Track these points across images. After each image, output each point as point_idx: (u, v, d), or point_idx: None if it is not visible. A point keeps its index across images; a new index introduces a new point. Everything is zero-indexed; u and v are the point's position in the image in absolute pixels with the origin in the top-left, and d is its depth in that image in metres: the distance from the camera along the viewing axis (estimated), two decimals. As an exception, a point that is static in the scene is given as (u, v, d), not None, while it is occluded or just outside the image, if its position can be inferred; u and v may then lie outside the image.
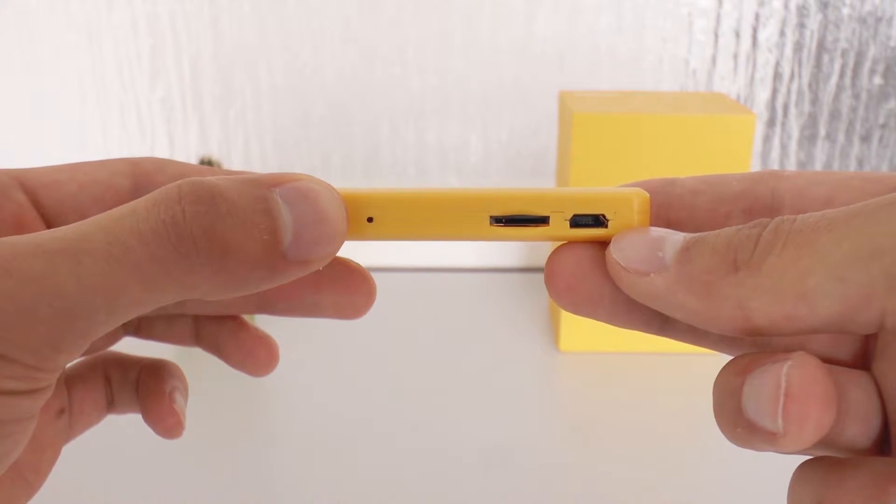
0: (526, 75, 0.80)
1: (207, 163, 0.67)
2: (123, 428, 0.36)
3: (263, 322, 0.38)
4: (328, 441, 0.54)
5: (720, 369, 0.22)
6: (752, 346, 0.24)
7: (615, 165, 0.58)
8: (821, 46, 0.79)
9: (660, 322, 0.24)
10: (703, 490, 0.49)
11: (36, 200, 0.29)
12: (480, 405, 0.58)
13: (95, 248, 0.21)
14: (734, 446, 0.21)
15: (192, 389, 0.33)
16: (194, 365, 0.37)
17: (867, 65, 0.79)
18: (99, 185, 0.29)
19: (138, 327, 0.32)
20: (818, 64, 0.79)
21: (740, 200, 0.25)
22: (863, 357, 0.23)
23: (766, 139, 0.82)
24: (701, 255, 0.21)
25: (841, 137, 0.81)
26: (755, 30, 0.78)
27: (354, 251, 0.25)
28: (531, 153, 0.82)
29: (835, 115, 0.81)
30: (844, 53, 0.79)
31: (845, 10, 0.77)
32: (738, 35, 0.79)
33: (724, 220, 0.25)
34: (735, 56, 0.79)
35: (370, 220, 0.24)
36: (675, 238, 0.22)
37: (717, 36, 0.79)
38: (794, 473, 0.22)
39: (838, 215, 0.20)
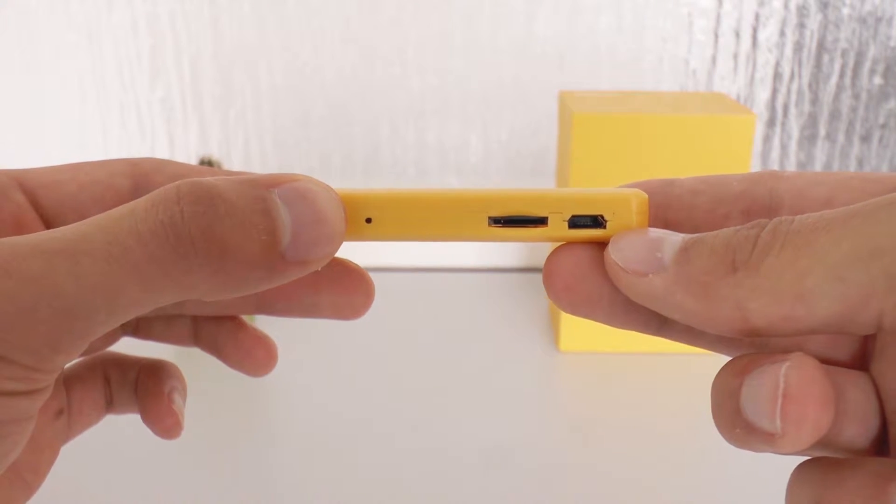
0: (526, 75, 0.80)
1: (207, 163, 0.67)
2: (122, 428, 0.36)
3: (263, 322, 0.38)
4: (328, 441, 0.54)
5: (718, 370, 0.22)
6: (750, 347, 0.24)
7: (615, 165, 0.58)
8: (821, 46, 0.79)
9: (658, 323, 0.24)
10: (703, 490, 0.49)
11: (35, 201, 0.29)
12: (480, 405, 0.58)
13: (94, 248, 0.21)
14: (734, 446, 0.21)
15: (190, 390, 0.33)
16: (193, 365, 0.37)
17: (867, 65, 0.79)
18: (98, 185, 0.29)
19: (137, 327, 0.32)
20: (818, 64, 0.79)
21: (739, 201, 0.25)
22: (861, 358, 0.23)
23: (766, 139, 0.82)
24: (699, 256, 0.21)
25: (841, 137, 0.81)
26: (755, 30, 0.78)
27: (354, 251, 0.25)
28: (531, 153, 0.82)
29: (835, 115, 0.81)
30: (844, 53, 0.79)
31: (845, 10, 0.77)
32: (738, 35, 0.78)
33: (723, 221, 0.25)
34: (735, 56, 0.79)
35: (369, 220, 0.24)
36: (674, 239, 0.22)
37: (717, 36, 0.79)
38: (792, 474, 0.22)
39: (837, 216, 0.20)
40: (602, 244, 0.23)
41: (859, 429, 0.22)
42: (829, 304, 0.19)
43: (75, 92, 0.82)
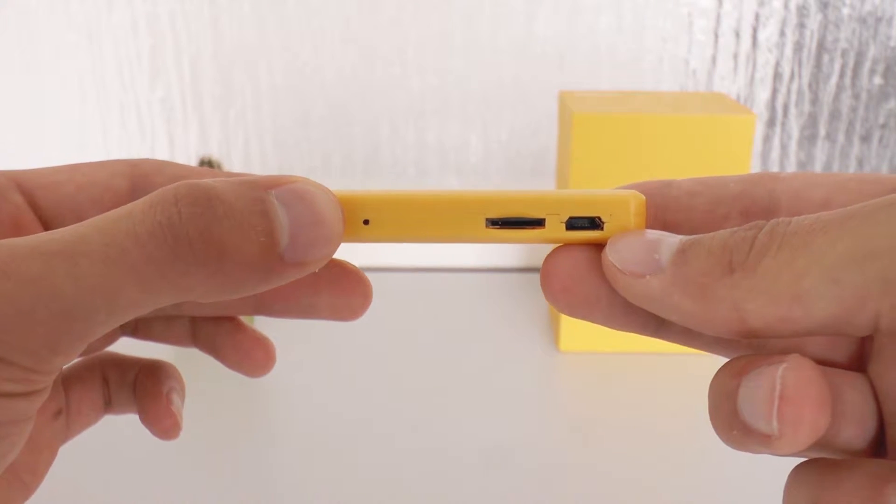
0: (526, 75, 0.80)
1: (207, 163, 0.67)
2: (121, 428, 0.36)
3: (262, 323, 0.38)
4: (328, 441, 0.54)
5: (716, 372, 0.22)
6: (748, 349, 0.24)
7: (615, 165, 0.58)
8: (821, 46, 0.78)
9: (656, 324, 0.24)
10: (703, 490, 0.49)
11: (33, 202, 0.29)
12: (480, 405, 0.58)
13: (92, 249, 0.21)
14: (731, 448, 0.21)
15: (189, 390, 0.33)
16: (192, 366, 0.37)
17: (867, 65, 0.79)
18: (97, 186, 0.29)
19: (135, 328, 0.32)
20: (818, 64, 0.79)
21: (737, 202, 0.25)
22: (859, 359, 0.23)
23: (766, 139, 0.82)
24: (696, 258, 0.21)
25: (841, 137, 0.81)
26: (755, 30, 0.78)
27: (354, 251, 0.25)
28: (531, 153, 0.82)
29: (835, 115, 0.81)
30: (844, 53, 0.79)
31: (845, 10, 0.77)
32: (738, 35, 0.78)
33: (721, 222, 0.25)
34: (735, 56, 0.79)
35: (366, 222, 0.24)
36: (671, 240, 0.22)
37: (717, 36, 0.79)
38: (789, 475, 0.22)
39: (833, 217, 0.20)
40: (600, 246, 0.23)
41: (857, 430, 0.22)
42: (825, 305, 0.19)
43: (75, 92, 0.82)
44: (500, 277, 0.78)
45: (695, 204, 0.25)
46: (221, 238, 0.21)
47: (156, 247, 0.21)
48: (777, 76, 0.80)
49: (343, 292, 0.29)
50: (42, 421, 0.29)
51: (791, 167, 0.83)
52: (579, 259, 0.23)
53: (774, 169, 0.84)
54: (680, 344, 0.25)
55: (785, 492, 0.22)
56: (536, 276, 0.81)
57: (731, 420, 0.20)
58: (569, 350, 0.64)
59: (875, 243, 0.19)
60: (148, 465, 0.51)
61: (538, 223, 0.23)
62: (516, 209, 0.23)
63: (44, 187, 0.29)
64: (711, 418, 0.22)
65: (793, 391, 0.19)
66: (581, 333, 0.64)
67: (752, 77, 0.80)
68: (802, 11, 0.77)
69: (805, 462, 0.21)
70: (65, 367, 0.29)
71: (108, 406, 0.32)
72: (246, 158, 0.84)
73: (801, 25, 0.78)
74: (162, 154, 0.84)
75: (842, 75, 0.79)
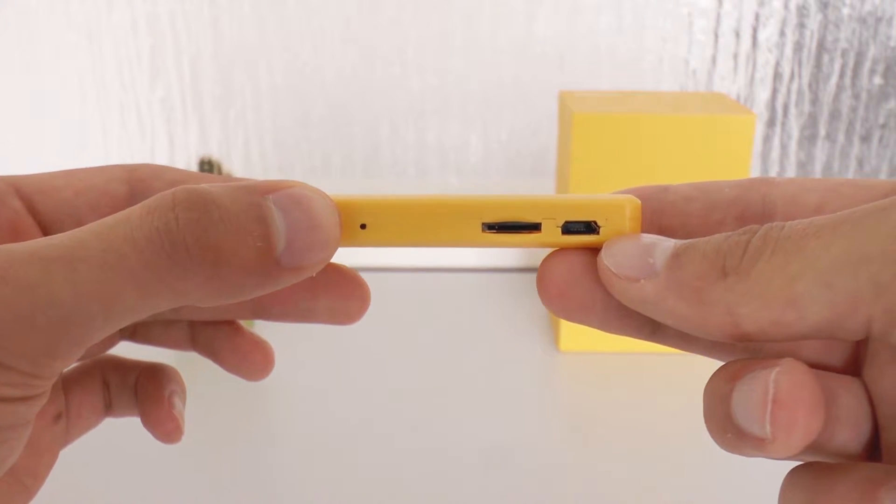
0: (526, 75, 0.80)
1: (207, 163, 0.67)
2: (121, 431, 0.36)
3: (262, 324, 0.38)
4: (328, 442, 0.54)
5: (710, 375, 0.22)
6: (743, 353, 0.24)
7: (615, 165, 0.58)
8: (821, 46, 0.79)
9: (651, 328, 0.24)
10: (703, 490, 0.49)
11: (32, 207, 0.29)
12: (480, 405, 0.58)
13: (90, 255, 0.21)
14: (726, 451, 0.21)
15: (190, 393, 0.33)
16: (192, 368, 0.37)
17: (867, 65, 0.79)
18: (95, 191, 0.29)
19: (134, 332, 0.33)
20: (818, 64, 0.79)
21: (732, 207, 0.25)
22: (854, 363, 0.23)
23: (766, 139, 0.82)
24: (691, 262, 0.21)
25: (841, 137, 0.81)
26: (755, 30, 0.78)
27: (353, 251, 0.25)
28: (531, 153, 0.82)
29: (835, 115, 0.81)
30: (844, 53, 0.79)
31: (845, 10, 0.77)
32: (738, 35, 0.79)
33: (717, 227, 0.25)
34: (735, 56, 0.79)
35: (363, 226, 0.24)
36: (666, 244, 0.22)
37: (717, 36, 0.79)
38: (785, 478, 0.22)
39: (826, 222, 0.20)
40: (595, 250, 0.23)
41: (851, 434, 0.22)
42: (818, 309, 0.19)
43: (75, 92, 0.83)
44: (500, 277, 0.78)
45: (690, 209, 0.25)
46: (218, 243, 0.21)
47: (153, 252, 0.21)
48: (777, 76, 0.80)
49: (341, 296, 0.29)
50: (42, 425, 0.29)
51: (791, 167, 0.83)
52: (575, 263, 0.23)
53: (774, 169, 0.84)
54: (675, 348, 0.25)
55: (780, 495, 0.22)
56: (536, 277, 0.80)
57: (725, 423, 0.21)
58: (569, 350, 0.64)
59: (868, 248, 0.19)
60: (149, 467, 0.51)
61: (534, 227, 0.24)
62: (512, 213, 0.23)
63: (42, 192, 0.29)
64: (706, 421, 0.22)
65: (786, 395, 0.19)
66: (581, 333, 0.64)
67: (752, 77, 0.80)
68: (802, 11, 0.77)
69: (800, 465, 0.22)
70: (65, 370, 0.30)
71: (109, 409, 0.32)
72: (246, 158, 0.84)
73: (801, 25, 0.78)
74: (162, 154, 0.84)
75: (842, 75, 0.79)
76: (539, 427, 0.56)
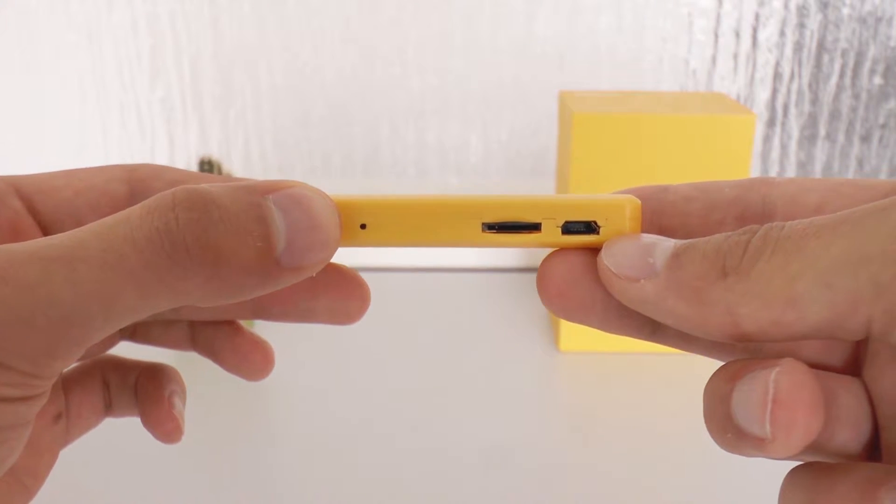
0: (526, 75, 0.80)
1: (207, 162, 0.67)
2: (122, 431, 0.36)
3: (262, 324, 0.38)
4: (328, 442, 0.54)
5: (710, 375, 0.22)
6: (743, 353, 0.24)
7: (615, 165, 0.58)
8: (821, 46, 0.79)
9: (651, 328, 0.24)
10: (703, 490, 0.49)
11: (32, 207, 0.29)
12: (480, 405, 0.58)
13: (90, 255, 0.21)
14: (725, 451, 0.21)
15: (190, 393, 0.33)
16: (192, 368, 0.37)
17: (867, 65, 0.79)
18: (95, 191, 0.29)
19: (134, 332, 0.33)
20: (818, 64, 0.79)
21: (732, 207, 0.25)
22: (854, 363, 0.23)
23: (766, 139, 0.82)
24: (691, 262, 0.21)
25: (841, 137, 0.81)
26: (755, 30, 0.78)
27: (353, 251, 0.25)
28: (531, 153, 0.82)
29: (835, 115, 0.81)
30: (844, 53, 0.79)
31: (845, 10, 0.77)
32: (738, 35, 0.79)
33: (717, 227, 0.25)
34: (735, 56, 0.79)
35: (363, 226, 0.24)
36: (666, 244, 0.22)
37: (717, 36, 0.79)
38: (785, 478, 0.22)
39: (826, 222, 0.20)
40: (595, 250, 0.23)
41: (851, 434, 0.22)
42: (818, 309, 0.19)
43: (75, 92, 0.83)
44: (500, 277, 0.78)
45: (690, 209, 0.25)
46: (218, 243, 0.21)
47: (153, 252, 0.21)
48: (777, 76, 0.80)
49: (341, 296, 0.29)
50: (42, 425, 0.29)
51: (791, 167, 0.83)
52: (575, 263, 0.23)
53: (774, 169, 0.84)
54: (675, 348, 0.25)
55: (780, 495, 0.22)
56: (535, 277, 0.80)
57: (725, 423, 0.21)
58: (569, 350, 0.64)
59: (868, 248, 0.19)
60: (149, 468, 0.51)
61: (534, 227, 0.24)
62: (512, 214, 0.23)
63: (42, 192, 0.29)
64: (706, 421, 0.22)
65: (785, 395, 0.19)
66: (581, 333, 0.64)
67: (752, 77, 0.80)
68: (802, 11, 0.77)
69: (800, 465, 0.22)
70: (65, 370, 0.30)
71: (109, 409, 0.32)
72: (246, 158, 0.84)
73: (801, 25, 0.78)
74: (162, 154, 0.84)
75: (842, 75, 0.79)
76: (539, 427, 0.56)
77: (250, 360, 0.32)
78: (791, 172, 0.83)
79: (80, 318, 0.21)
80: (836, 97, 0.80)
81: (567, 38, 0.78)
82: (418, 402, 0.58)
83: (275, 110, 0.82)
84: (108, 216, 0.22)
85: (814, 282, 0.19)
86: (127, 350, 0.33)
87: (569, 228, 0.23)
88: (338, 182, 0.84)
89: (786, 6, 0.77)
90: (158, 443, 0.31)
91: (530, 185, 0.84)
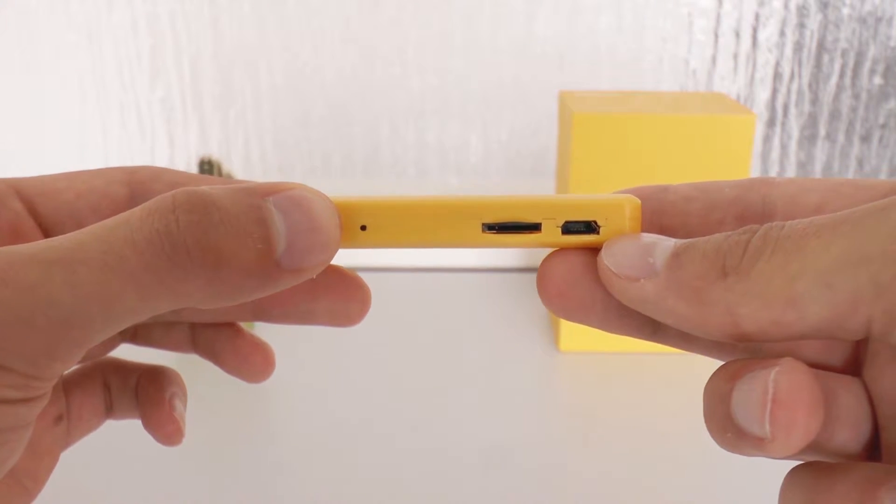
0: (526, 75, 0.80)
1: (207, 162, 0.67)
2: (122, 433, 0.36)
3: (263, 326, 0.38)
4: (328, 442, 0.54)
5: (710, 375, 0.22)
6: (744, 353, 0.24)
7: (615, 165, 0.58)
8: (821, 46, 0.79)
9: (651, 328, 0.24)
10: (703, 490, 0.49)
11: (33, 209, 0.29)
12: (480, 405, 0.58)
13: (90, 257, 0.21)
14: (725, 451, 0.21)
15: (190, 395, 0.33)
16: (193, 370, 0.37)
17: (867, 65, 0.79)
18: (95, 193, 0.29)
19: (135, 334, 0.33)
20: (818, 64, 0.79)
21: (732, 207, 0.25)
22: (854, 363, 0.23)
23: (766, 139, 0.82)
24: (691, 261, 0.21)
25: (841, 137, 0.81)
26: (755, 30, 0.78)
27: (353, 251, 0.25)
28: (531, 153, 0.82)
29: (835, 115, 0.81)
30: (844, 53, 0.79)
31: (845, 10, 0.77)
32: (738, 35, 0.79)
33: (717, 227, 0.25)
34: (735, 56, 0.79)
35: (363, 228, 0.24)
36: (666, 244, 0.22)
37: (717, 36, 0.79)
38: (785, 478, 0.22)
39: (826, 222, 0.20)
40: (595, 250, 0.23)
41: (851, 433, 0.22)
42: (818, 309, 0.19)
43: (75, 92, 0.83)
44: (500, 277, 0.78)
45: (690, 209, 0.25)
46: (218, 245, 0.21)
47: (153, 254, 0.21)
48: (777, 76, 0.80)
49: (341, 298, 0.29)
50: (43, 426, 0.29)
51: (791, 167, 0.83)
52: (575, 263, 0.23)
53: (774, 169, 0.84)
54: (675, 347, 0.25)
55: (780, 495, 0.22)
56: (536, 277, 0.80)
57: (725, 423, 0.21)
58: (569, 350, 0.64)
59: (867, 248, 0.19)
60: (149, 469, 0.51)
61: (534, 227, 0.24)
62: (512, 214, 0.23)
63: (43, 194, 0.29)
64: (706, 421, 0.22)
65: (785, 395, 0.19)
66: (581, 333, 0.64)
67: (752, 77, 0.80)
68: (802, 11, 0.77)
69: (800, 465, 0.22)
70: (65, 372, 0.30)
71: (110, 411, 0.32)
72: (246, 158, 0.84)
73: (801, 25, 0.78)
74: (162, 154, 0.84)
75: (842, 75, 0.79)
76: (539, 427, 0.56)
77: (251, 362, 0.32)
78: (791, 172, 0.83)
79: (81, 319, 0.21)
80: (836, 97, 0.80)
81: (567, 38, 0.78)
82: (418, 402, 0.58)
83: (275, 110, 0.82)
84: (108, 218, 0.22)
85: (814, 282, 0.19)
86: (128, 352, 0.33)
87: (569, 228, 0.23)
88: (338, 182, 0.84)
89: (786, 6, 0.77)
90: (159, 445, 0.31)
91: (530, 185, 0.84)
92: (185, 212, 0.21)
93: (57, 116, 0.83)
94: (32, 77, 0.82)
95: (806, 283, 0.19)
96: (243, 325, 0.33)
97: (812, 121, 0.81)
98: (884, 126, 0.80)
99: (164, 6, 0.79)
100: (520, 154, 0.82)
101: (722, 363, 0.22)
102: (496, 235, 0.24)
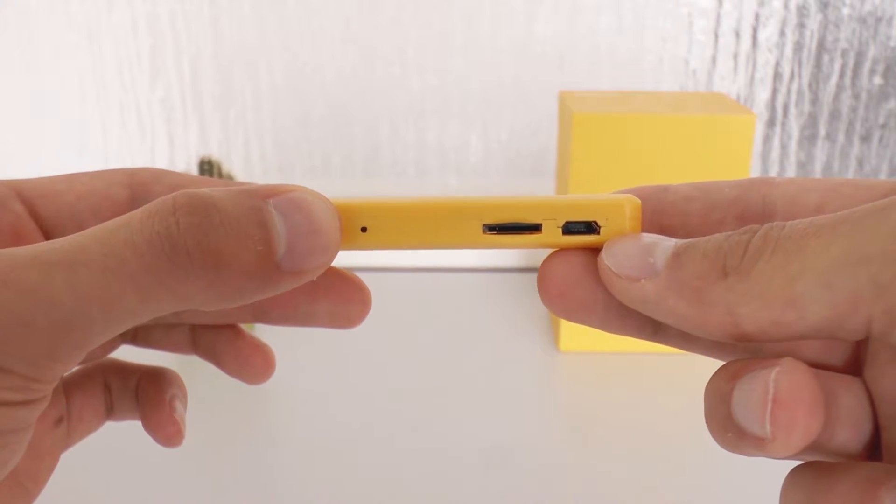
0: (526, 75, 0.80)
1: (207, 163, 0.67)
2: (123, 435, 0.36)
3: (263, 327, 0.38)
4: (328, 443, 0.54)
5: (711, 375, 0.22)
6: (744, 353, 0.24)
7: (615, 165, 0.58)
8: (821, 46, 0.79)
9: (652, 328, 0.24)
10: (703, 490, 0.49)
11: (34, 211, 0.29)
12: (480, 405, 0.58)
13: (91, 259, 0.21)
14: (726, 451, 0.21)
15: (191, 396, 0.33)
16: (193, 372, 0.37)
17: (867, 65, 0.79)
18: (96, 195, 0.29)
19: (135, 336, 0.32)
20: (818, 64, 0.79)
21: (733, 207, 0.25)
22: (855, 363, 0.23)
23: (766, 139, 0.82)
24: (691, 261, 0.21)
25: (841, 137, 0.81)
26: (755, 30, 0.78)
27: (353, 251, 0.25)
28: (531, 153, 0.82)
29: (835, 115, 0.81)
30: (844, 53, 0.79)
31: (845, 10, 0.77)
32: (738, 35, 0.79)
33: (717, 227, 0.25)
34: (735, 56, 0.79)
35: (364, 229, 0.24)
36: (666, 244, 0.22)
37: (717, 36, 0.79)
38: (785, 478, 0.22)
39: (826, 222, 0.20)
40: (596, 250, 0.23)
41: (852, 433, 0.22)
42: (818, 309, 0.19)
43: (75, 92, 0.83)
44: (500, 277, 0.78)
45: (691, 209, 0.25)
46: (219, 247, 0.21)
47: (154, 256, 0.21)
48: (777, 76, 0.80)
49: (341, 300, 0.29)
50: (43, 428, 0.29)
51: (791, 167, 0.83)
52: (575, 263, 0.23)
53: (774, 169, 0.84)
54: (676, 347, 0.25)
55: (781, 494, 0.22)
56: (536, 277, 0.80)
57: (725, 423, 0.21)
58: (569, 350, 0.64)
59: (868, 248, 0.19)
60: (150, 471, 0.51)
61: (535, 228, 0.24)
62: (513, 215, 0.24)
63: (44, 196, 0.29)
64: (707, 421, 0.22)
65: (786, 395, 0.19)
66: (581, 333, 0.64)
67: (752, 77, 0.80)
68: (802, 11, 0.77)
69: (801, 465, 0.22)
70: (66, 374, 0.30)
71: (110, 413, 0.32)
72: (246, 159, 0.84)
73: (801, 25, 0.78)
74: (162, 154, 0.84)
75: (842, 75, 0.79)
76: (539, 427, 0.56)
77: (251, 364, 0.32)
78: (791, 172, 0.83)
79: (81, 321, 0.21)
80: (836, 97, 0.80)
81: (567, 38, 0.78)
82: (418, 403, 0.58)
83: (275, 110, 0.82)
84: (109, 220, 0.22)
85: (814, 282, 0.19)
86: (128, 354, 0.33)
87: (569, 229, 0.23)
88: (338, 182, 0.84)
89: (786, 6, 0.77)
90: (159, 446, 0.31)
91: (530, 186, 0.84)
92: (185, 214, 0.21)
93: (57, 116, 0.83)
94: (32, 77, 0.82)
95: (806, 283, 0.19)
96: (243, 326, 0.33)
97: (812, 121, 0.81)
98: (884, 126, 0.80)
99: (164, 6, 0.79)
100: (520, 154, 0.83)
101: (722, 363, 0.22)
102: (497, 236, 0.24)
